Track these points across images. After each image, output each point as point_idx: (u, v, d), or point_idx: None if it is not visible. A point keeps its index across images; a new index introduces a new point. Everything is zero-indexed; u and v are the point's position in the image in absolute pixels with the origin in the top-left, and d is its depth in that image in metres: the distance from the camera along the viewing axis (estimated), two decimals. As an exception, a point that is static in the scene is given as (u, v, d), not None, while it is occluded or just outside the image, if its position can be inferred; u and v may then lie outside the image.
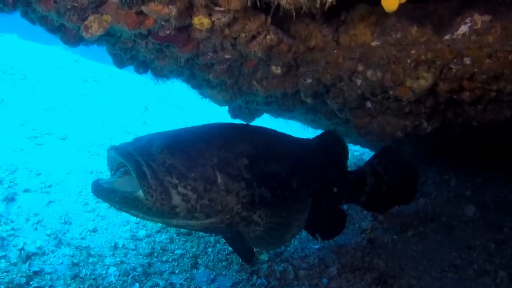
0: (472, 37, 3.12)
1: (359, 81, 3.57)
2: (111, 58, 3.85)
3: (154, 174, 2.96)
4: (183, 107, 12.93)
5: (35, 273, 4.08)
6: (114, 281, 4.30)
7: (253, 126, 3.94)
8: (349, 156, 9.34)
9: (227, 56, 3.34)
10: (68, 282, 4.10)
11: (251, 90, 3.92)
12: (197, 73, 3.84)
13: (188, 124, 10.88)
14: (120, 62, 3.82)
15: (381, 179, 4.76)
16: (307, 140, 4.41)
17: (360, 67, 3.44)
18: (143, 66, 3.85)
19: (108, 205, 3.57)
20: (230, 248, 4.95)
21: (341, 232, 4.70)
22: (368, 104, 4.06)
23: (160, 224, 5.21)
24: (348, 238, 5.21)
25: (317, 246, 5.09)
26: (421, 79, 3.28)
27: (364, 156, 9.89)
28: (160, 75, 3.86)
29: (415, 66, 3.26)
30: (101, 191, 3.02)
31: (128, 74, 13.59)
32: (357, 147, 9.32)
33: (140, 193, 2.94)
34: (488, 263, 4.39)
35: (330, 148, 4.41)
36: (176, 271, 4.60)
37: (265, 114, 5.59)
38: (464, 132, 5.56)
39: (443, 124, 4.48)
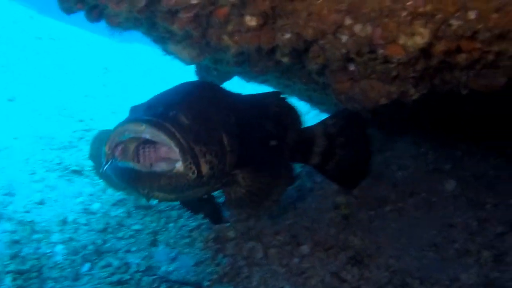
0: (479, -13, 2.68)
1: (344, 38, 3.10)
2: (57, 2, 3.27)
3: (188, 145, 2.94)
4: (145, 68, 12.21)
5: (-33, 252, 3.56)
6: (61, 261, 3.83)
7: (203, 82, 4.17)
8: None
9: (194, 2, 2.83)
10: (6, 263, 3.60)
11: (220, 45, 3.41)
12: (159, 24, 3.30)
13: (153, 87, 10.26)
14: (67, 7, 3.24)
15: (334, 141, 4.72)
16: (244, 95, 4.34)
17: (348, 21, 2.97)
18: (95, 12, 3.29)
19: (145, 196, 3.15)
20: (193, 224, 4.54)
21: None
22: (351, 67, 3.62)
23: (117, 197, 4.73)
24: (322, 213, 4.84)
25: (288, 222, 4.71)
26: (416, 35, 2.85)
27: (335, 126, 9.56)
28: (115, 24, 3.29)
29: (411, 20, 2.81)
30: (140, 178, 2.90)
31: (88, 33, 12.78)
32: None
33: (181, 168, 2.89)
34: (471, 242, 4.10)
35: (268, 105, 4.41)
36: (133, 249, 4.16)
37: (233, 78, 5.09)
38: (447, 101, 5.24)
39: (429, 92, 4.12)
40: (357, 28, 2.97)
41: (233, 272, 4.07)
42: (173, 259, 4.11)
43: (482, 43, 3.01)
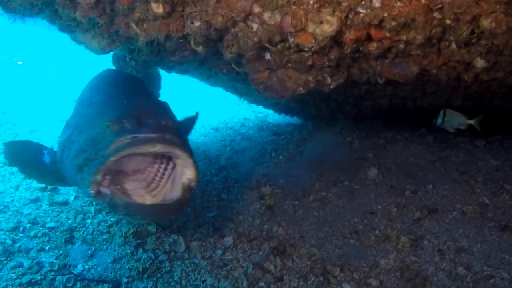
0: (382, -24, 2.70)
1: (255, 26, 3.06)
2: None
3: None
4: (63, 61, 11.67)
5: None
6: (-37, 264, 3.58)
7: (124, 73, 4.51)
8: (253, 117, 9.05)
9: (92, -13, 2.68)
10: None
11: (130, 34, 3.28)
12: (61, 10, 3.12)
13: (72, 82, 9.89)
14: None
15: None
16: None
17: (256, 9, 2.92)
18: (-13, -3, 3.06)
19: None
20: (112, 219, 4.39)
21: None
22: (267, 56, 3.59)
23: (30, 195, 4.51)
24: (247, 204, 4.80)
25: (212, 214, 4.64)
26: (325, 23, 2.82)
27: (268, 117, 9.57)
28: (11, 10, 3.08)
29: (319, 8, 2.79)
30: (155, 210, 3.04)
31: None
32: (261, 108, 8.94)
33: (194, 177, 3.05)
34: (390, 228, 4.18)
35: None
36: (46, 248, 3.96)
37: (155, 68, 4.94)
38: (369, 91, 5.33)
39: (347, 81, 4.15)
40: (266, 16, 2.92)
41: (154, 267, 3.96)
42: (90, 257, 3.94)
43: (390, 32, 3.05)
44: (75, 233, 4.17)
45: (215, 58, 4.19)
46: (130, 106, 3.28)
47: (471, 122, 5.03)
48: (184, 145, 3.03)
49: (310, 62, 3.47)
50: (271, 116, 9.36)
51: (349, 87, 5.25)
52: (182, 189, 3.06)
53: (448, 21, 2.89)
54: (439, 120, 5.00)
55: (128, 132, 2.95)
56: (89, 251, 4.00)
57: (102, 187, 2.88)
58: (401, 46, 3.31)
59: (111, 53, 4.66)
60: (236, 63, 3.91)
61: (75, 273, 3.72)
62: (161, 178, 3.27)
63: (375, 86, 4.97)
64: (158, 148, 2.86)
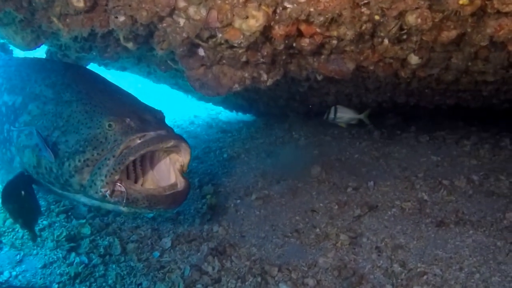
0: (307, -30, 2.63)
1: (182, 21, 2.95)
2: None
3: None
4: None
5: None
6: None
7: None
8: (204, 115, 8.91)
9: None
10: None
11: (52, 29, 3.13)
12: (-27, 4, 2.94)
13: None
14: None
15: None
16: None
17: (181, 3, 2.81)
18: None
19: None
20: (45, 222, 4.20)
21: None
22: (201, 52, 3.49)
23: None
24: (188, 204, 4.69)
25: (151, 215, 4.50)
26: (251, 18, 2.74)
27: (220, 115, 9.47)
28: None
29: (245, 2, 2.71)
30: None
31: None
32: (211, 105, 8.83)
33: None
34: (330, 226, 4.14)
35: None
36: (-30, 254, 3.75)
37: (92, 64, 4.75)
38: (312, 88, 5.30)
39: (287, 78, 4.09)
40: (191, 10, 2.81)
41: (87, 272, 3.78)
42: (19, 262, 3.74)
43: (320, 28, 2.99)
44: (3, 238, 3.97)
45: (151, 55, 4.06)
46: (122, 102, 3.34)
47: (360, 116, 5.42)
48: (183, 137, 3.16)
49: (244, 59, 3.40)
50: (223, 113, 9.25)
51: (292, 84, 5.22)
52: (181, 176, 3.16)
53: (377, 17, 2.85)
54: (331, 116, 5.19)
55: (135, 131, 3.00)
56: (18, 257, 3.82)
57: (116, 185, 2.92)
58: (334, 42, 3.27)
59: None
60: (172, 59, 3.81)
61: (1, 280, 3.53)
62: (135, 168, 3.21)
63: (317, 83, 4.96)
64: (171, 143, 3.00)
